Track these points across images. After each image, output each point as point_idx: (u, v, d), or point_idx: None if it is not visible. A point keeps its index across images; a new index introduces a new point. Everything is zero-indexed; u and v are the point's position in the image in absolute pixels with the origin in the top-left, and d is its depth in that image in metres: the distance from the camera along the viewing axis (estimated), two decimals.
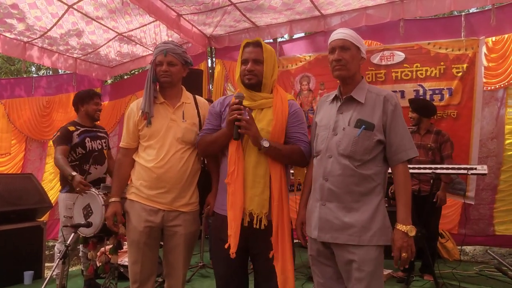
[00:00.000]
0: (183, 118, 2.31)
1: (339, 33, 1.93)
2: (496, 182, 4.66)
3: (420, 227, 3.58)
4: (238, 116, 1.94)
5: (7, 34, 5.24)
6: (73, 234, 2.68)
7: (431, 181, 3.63)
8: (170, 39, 5.97)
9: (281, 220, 1.95)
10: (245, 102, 2.04)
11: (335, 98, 2.02)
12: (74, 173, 3.13)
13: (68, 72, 6.76)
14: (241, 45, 2.11)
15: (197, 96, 2.48)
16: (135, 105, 2.36)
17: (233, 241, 1.94)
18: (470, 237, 4.76)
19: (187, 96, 2.43)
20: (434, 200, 3.90)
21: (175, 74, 2.32)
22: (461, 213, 4.80)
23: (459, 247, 4.85)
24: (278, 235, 1.94)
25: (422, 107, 4.13)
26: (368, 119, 1.86)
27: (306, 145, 2.06)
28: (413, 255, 1.79)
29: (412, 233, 1.77)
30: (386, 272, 4.09)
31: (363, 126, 1.84)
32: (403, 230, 1.77)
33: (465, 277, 4.08)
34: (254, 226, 1.94)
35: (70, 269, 4.60)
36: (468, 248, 5.38)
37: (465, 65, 4.72)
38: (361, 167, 1.84)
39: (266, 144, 1.91)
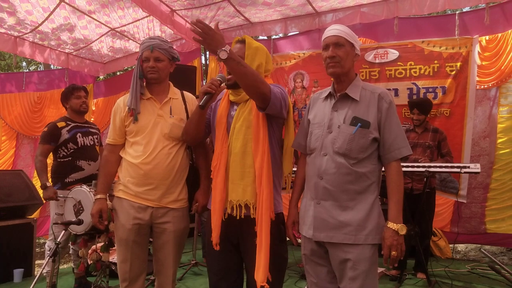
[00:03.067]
0: (171, 114, 2.29)
1: (333, 30, 1.89)
2: (488, 181, 4.69)
3: (413, 225, 3.60)
4: (209, 89, 1.94)
5: None
6: (63, 231, 2.65)
7: (425, 179, 3.63)
8: (163, 34, 5.92)
9: (260, 210, 1.87)
10: (230, 97, 2.06)
11: (329, 95, 1.99)
12: (48, 184, 3.14)
13: (60, 67, 6.69)
14: (232, 43, 2.09)
15: (184, 92, 2.46)
16: (122, 101, 2.34)
17: (215, 233, 1.93)
18: (462, 235, 4.79)
19: (174, 91, 2.40)
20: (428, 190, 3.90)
21: (162, 70, 2.29)
22: (453, 211, 4.83)
23: (452, 245, 4.88)
24: (257, 223, 1.89)
25: (427, 107, 4.12)
26: (363, 117, 1.84)
27: (274, 88, 1.91)
28: (403, 254, 1.78)
29: (403, 231, 1.76)
30: (379, 270, 4.10)
31: (359, 124, 1.82)
32: (393, 228, 1.76)
33: (458, 275, 4.11)
34: (240, 217, 1.91)
35: (61, 267, 4.56)
36: (460, 246, 5.42)
37: (458, 64, 4.73)
38: (356, 165, 1.82)
39: (224, 55, 1.71)
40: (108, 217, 2.34)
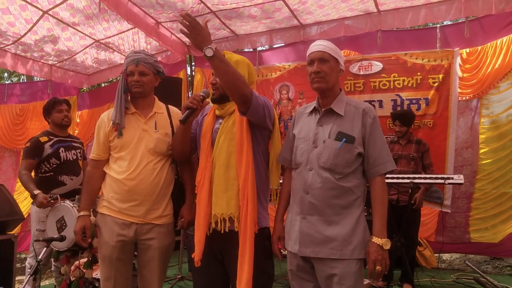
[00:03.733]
0: (156, 129, 2.26)
1: (318, 45, 1.92)
2: (471, 191, 4.76)
3: (399, 236, 3.61)
4: (190, 104, 1.95)
5: None
6: (45, 248, 2.58)
7: (410, 190, 3.67)
8: (148, 46, 5.90)
9: (244, 223, 1.85)
10: (216, 112, 2.06)
11: (314, 110, 2.00)
12: (36, 192, 3.06)
13: (43, 79, 6.59)
14: None
15: (170, 106, 2.43)
16: (106, 116, 2.30)
17: (197, 249, 1.91)
18: (447, 244, 4.83)
19: (159, 106, 2.38)
20: (412, 202, 3.94)
21: (146, 84, 2.26)
22: (438, 221, 4.88)
23: (437, 255, 4.91)
24: (240, 236, 1.87)
25: (409, 119, 4.19)
26: (348, 132, 1.86)
27: (258, 96, 1.90)
28: (387, 268, 1.79)
29: (387, 246, 1.77)
30: (366, 282, 4.09)
31: (344, 139, 1.84)
32: (378, 243, 1.77)
33: (443, 285, 4.13)
34: (224, 231, 1.89)
35: (42, 283, 4.44)
36: (445, 256, 5.46)
37: (440, 76, 4.82)
38: (342, 180, 1.83)
39: (209, 52, 1.70)
40: (92, 233, 2.30)
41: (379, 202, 1.85)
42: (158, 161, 2.23)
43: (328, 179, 1.83)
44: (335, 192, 1.82)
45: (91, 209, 2.32)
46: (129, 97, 2.30)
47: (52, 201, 2.87)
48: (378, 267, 1.74)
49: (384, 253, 1.77)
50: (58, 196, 2.83)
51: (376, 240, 1.78)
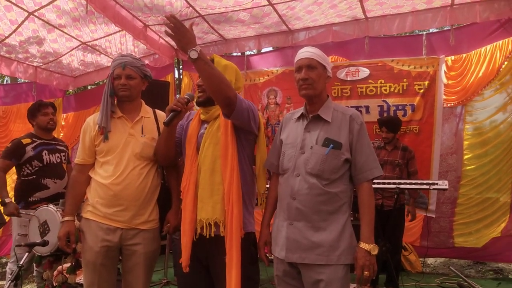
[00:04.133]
0: (142, 133, 2.24)
1: (306, 52, 1.92)
2: (456, 196, 4.82)
3: (384, 241, 3.64)
4: (174, 107, 1.95)
5: None
6: (27, 254, 2.53)
7: (395, 195, 3.70)
8: (136, 49, 5.86)
9: (230, 227, 1.85)
10: (202, 116, 2.06)
11: (301, 116, 2.01)
12: (7, 200, 3.02)
13: (28, 81, 6.49)
14: None
15: (157, 110, 2.42)
16: (92, 120, 2.28)
17: (184, 255, 1.90)
18: (431, 249, 4.87)
19: (146, 110, 2.36)
20: (407, 217, 4.01)
21: (133, 88, 2.25)
22: (423, 226, 4.93)
23: (422, 259, 4.96)
24: (227, 241, 1.86)
25: (396, 125, 4.23)
26: (335, 138, 1.87)
27: (243, 100, 1.90)
28: (375, 274, 1.81)
29: (375, 251, 1.79)
30: (352, 286, 4.10)
31: (331, 145, 1.85)
32: (366, 248, 1.79)
33: None
34: (209, 236, 1.88)
35: None
36: (430, 260, 5.51)
37: (426, 82, 4.88)
38: (328, 186, 1.84)
39: (194, 55, 1.72)
40: (76, 238, 2.26)
41: (366, 208, 1.86)
42: (145, 166, 2.21)
43: (315, 185, 1.83)
44: (322, 198, 1.83)
45: (76, 214, 2.28)
46: (115, 101, 2.28)
47: (22, 213, 2.86)
48: (366, 272, 1.76)
49: (372, 259, 1.78)
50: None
51: (364, 245, 1.79)
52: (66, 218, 2.22)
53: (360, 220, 1.87)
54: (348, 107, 5.09)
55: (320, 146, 1.87)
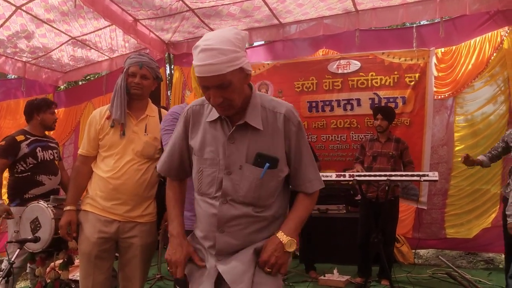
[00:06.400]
0: (145, 132, 2.29)
1: (208, 65, 1.31)
2: (447, 187, 4.87)
3: (377, 233, 3.67)
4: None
5: None
6: (18, 250, 2.52)
7: (386, 188, 3.73)
8: (127, 44, 5.82)
9: None
10: None
11: (220, 119, 1.51)
12: (0, 202, 3.04)
13: (17, 76, 6.42)
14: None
15: (162, 110, 2.47)
16: (98, 113, 2.32)
17: None
18: (423, 240, 4.93)
19: (152, 109, 2.40)
20: (392, 198, 4.02)
21: (146, 88, 2.31)
22: (414, 217, 4.96)
23: (414, 251, 5.01)
24: None
25: (390, 114, 4.26)
26: (270, 152, 1.47)
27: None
28: (280, 270, 1.49)
29: (290, 247, 1.48)
30: (345, 278, 4.14)
31: (267, 164, 1.45)
32: (281, 239, 1.48)
33: (419, 280, 4.21)
34: None
35: (18, 285, 4.33)
36: (422, 252, 5.57)
37: (417, 75, 4.90)
38: (265, 211, 1.51)
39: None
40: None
41: (304, 210, 1.57)
42: (144, 163, 2.26)
43: (248, 213, 1.48)
44: (257, 225, 1.50)
45: (77, 204, 2.33)
46: None
47: (9, 216, 2.88)
48: (268, 269, 1.47)
49: (283, 255, 1.47)
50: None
51: (280, 235, 1.48)
52: (68, 208, 2.27)
53: (290, 213, 1.58)
54: (339, 100, 5.11)
55: (251, 166, 1.46)
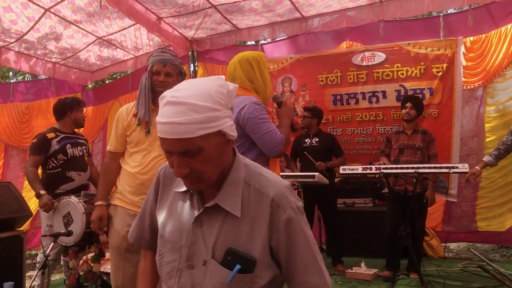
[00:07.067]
0: None
1: (171, 124, 0.99)
2: (478, 180, 4.71)
3: (405, 226, 3.62)
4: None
5: None
6: (52, 243, 2.62)
7: (414, 180, 3.67)
8: (151, 42, 5.90)
9: None
10: None
11: (188, 193, 1.16)
12: (42, 192, 3.14)
13: (47, 77, 6.62)
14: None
15: None
16: (125, 110, 2.38)
17: None
18: (453, 234, 4.83)
19: None
20: (424, 201, 3.98)
21: (171, 85, 2.29)
22: (444, 210, 4.88)
23: (443, 244, 4.91)
24: None
25: (420, 104, 4.19)
26: (246, 248, 1.07)
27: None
28: None
29: None
30: (372, 271, 4.11)
31: (238, 266, 1.05)
32: None
33: (450, 274, 4.13)
34: None
35: (52, 278, 4.50)
36: (452, 245, 5.46)
37: (444, 65, 4.77)
38: None
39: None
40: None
41: None
42: None
43: None
44: None
45: (107, 199, 2.40)
46: None
47: (55, 203, 2.95)
48: None
49: None
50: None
51: None
52: (99, 203, 2.35)
53: None
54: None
55: (218, 265, 1.07)
